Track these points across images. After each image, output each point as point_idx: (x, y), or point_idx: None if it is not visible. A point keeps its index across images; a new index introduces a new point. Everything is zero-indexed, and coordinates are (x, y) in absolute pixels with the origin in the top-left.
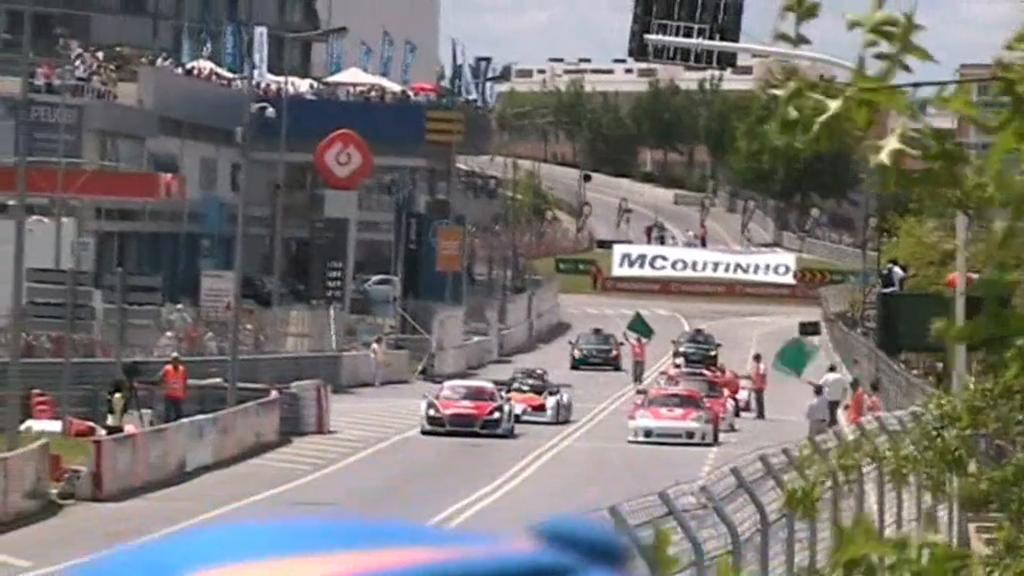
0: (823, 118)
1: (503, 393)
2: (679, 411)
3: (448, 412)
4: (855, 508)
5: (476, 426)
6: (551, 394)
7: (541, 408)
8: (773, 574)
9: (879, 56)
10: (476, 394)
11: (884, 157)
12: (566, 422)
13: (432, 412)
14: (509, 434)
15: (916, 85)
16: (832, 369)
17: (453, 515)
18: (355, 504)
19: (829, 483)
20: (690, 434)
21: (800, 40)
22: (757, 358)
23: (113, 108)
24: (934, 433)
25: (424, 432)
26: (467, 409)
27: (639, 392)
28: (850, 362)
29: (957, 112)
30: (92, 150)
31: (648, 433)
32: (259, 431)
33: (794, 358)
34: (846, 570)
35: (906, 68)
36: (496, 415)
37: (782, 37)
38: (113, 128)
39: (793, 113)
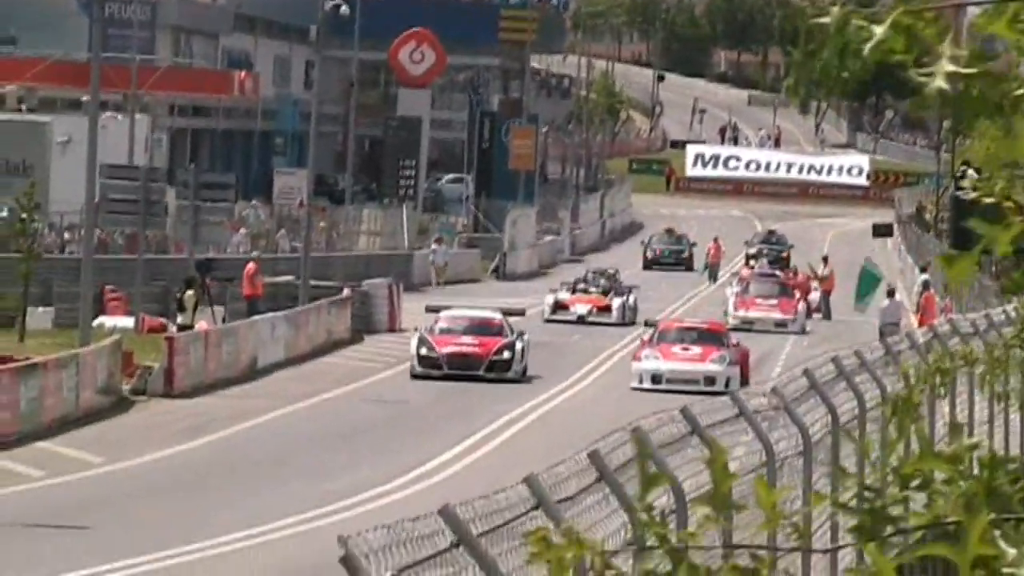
0: (871, 44)
1: (511, 327)
2: (696, 350)
3: (445, 351)
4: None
5: (480, 368)
6: (617, 295)
7: (607, 309)
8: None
9: None
10: (480, 327)
11: (940, 82)
12: (631, 323)
13: (424, 351)
14: (521, 377)
15: (959, 6)
16: (891, 294)
17: (528, 411)
18: (427, 401)
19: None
20: (710, 379)
21: None
22: (825, 260)
23: (187, 4)
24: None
25: (414, 376)
26: (468, 347)
27: (647, 324)
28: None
29: (999, 35)
30: (166, 47)
31: (656, 378)
32: (331, 329)
33: (867, 286)
34: (902, 483)
35: None
36: (505, 354)
37: None
38: (187, 24)
39: (842, 41)
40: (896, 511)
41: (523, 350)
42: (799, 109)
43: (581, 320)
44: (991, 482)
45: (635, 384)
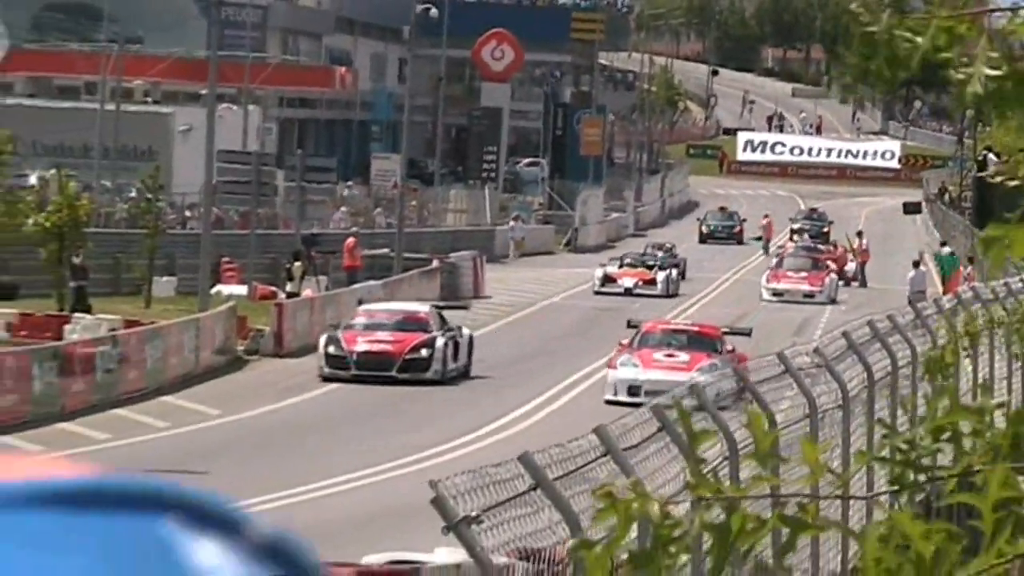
0: (919, 53)
1: (443, 319)
2: (683, 357)
3: (355, 349)
4: (972, 373)
5: (392, 368)
6: (661, 268)
7: (652, 282)
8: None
9: None
10: (402, 322)
11: (977, 87)
12: (675, 295)
13: (333, 349)
14: (440, 378)
15: (991, 11)
16: (917, 264)
17: (599, 368)
18: (508, 362)
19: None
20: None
21: None
22: (859, 234)
23: (294, 8)
24: None
25: (324, 378)
26: (382, 345)
27: (630, 325)
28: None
29: None
30: (275, 46)
31: (634, 390)
32: (421, 296)
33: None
34: (934, 436)
35: None
36: (422, 352)
37: None
38: (294, 26)
39: (890, 51)
40: (927, 462)
41: (448, 347)
42: (839, 99)
43: (628, 292)
44: (1015, 434)
45: (608, 396)
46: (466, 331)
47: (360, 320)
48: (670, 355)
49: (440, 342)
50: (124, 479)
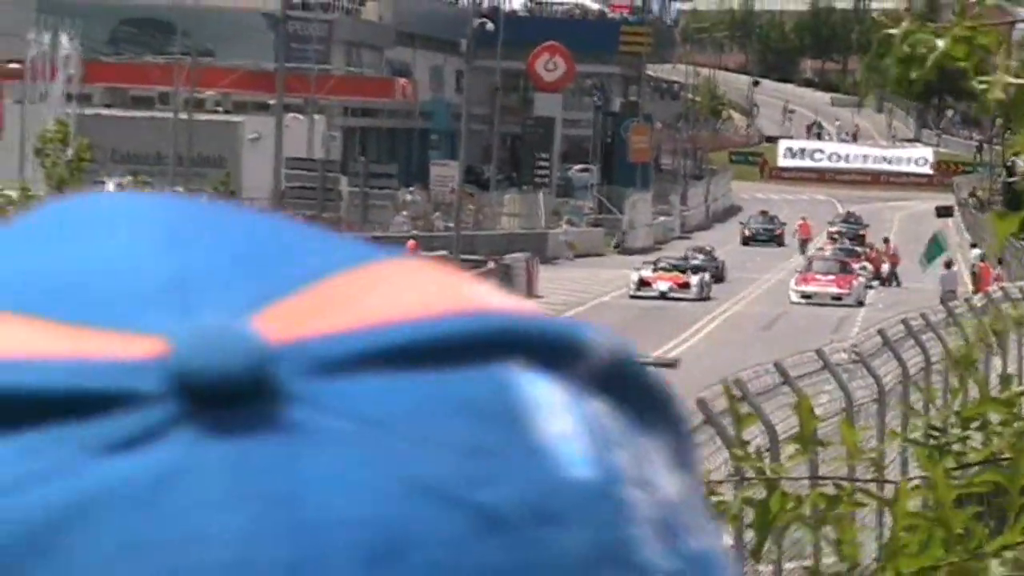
0: (934, 55)
1: None
2: None
3: None
4: (1002, 367)
5: None
6: (695, 272)
7: (686, 286)
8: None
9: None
10: None
11: (999, 93)
12: (708, 299)
13: None
14: None
15: (1012, 23)
16: (948, 266)
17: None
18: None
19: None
20: None
21: None
22: (886, 241)
23: (357, 22)
24: None
25: None
26: None
27: None
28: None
29: None
30: (339, 58)
31: None
32: None
33: (933, 253)
34: (963, 424)
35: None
36: None
37: None
38: (357, 39)
39: (907, 50)
40: (958, 448)
41: None
42: (874, 108)
43: (663, 296)
44: None
45: None
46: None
47: None
48: None
49: None
50: (466, 321)
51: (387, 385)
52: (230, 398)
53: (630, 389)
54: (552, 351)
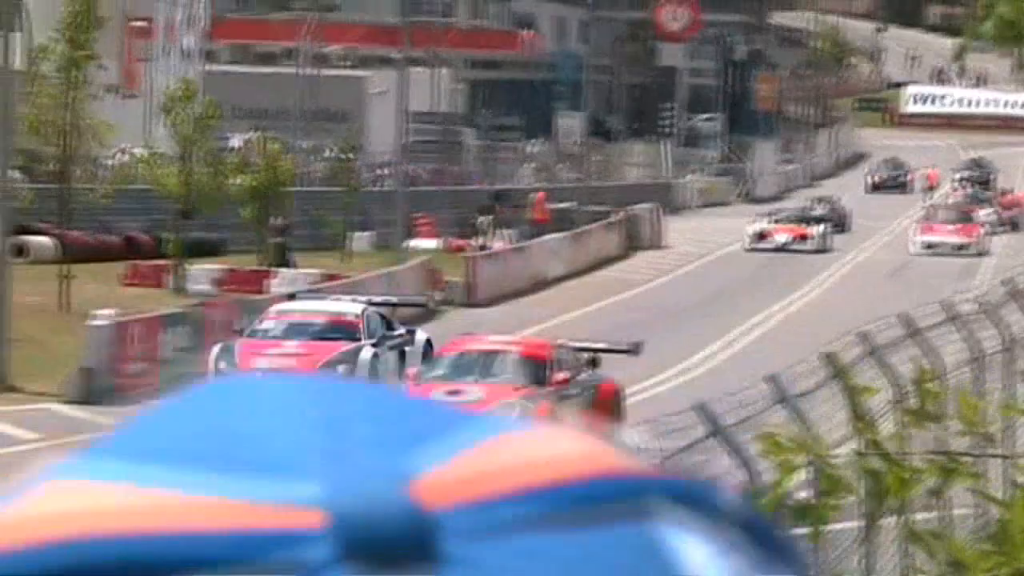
0: None
1: (386, 322)
2: (474, 394)
3: (253, 366)
4: None
5: None
6: (815, 223)
7: (804, 237)
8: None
9: None
10: (323, 328)
11: None
12: (827, 251)
13: (224, 365)
14: None
15: None
16: None
17: (774, 313)
18: (690, 305)
19: None
20: None
21: None
22: (1004, 192)
23: None
24: None
25: None
26: (286, 360)
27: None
28: None
29: None
30: (464, 11)
31: None
32: (605, 246)
33: None
34: None
35: None
36: (339, 369)
37: None
38: None
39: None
40: None
41: (384, 360)
42: (1000, 53)
43: (782, 248)
44: None
45: None
46: (421, 335)
47: (268, 325)
48: (454, 392)
49: (367, 354)
50: (612, 483)
51: (540, 546)
52: (393, 562)
53: (759, 539)
54: (693, 509)
